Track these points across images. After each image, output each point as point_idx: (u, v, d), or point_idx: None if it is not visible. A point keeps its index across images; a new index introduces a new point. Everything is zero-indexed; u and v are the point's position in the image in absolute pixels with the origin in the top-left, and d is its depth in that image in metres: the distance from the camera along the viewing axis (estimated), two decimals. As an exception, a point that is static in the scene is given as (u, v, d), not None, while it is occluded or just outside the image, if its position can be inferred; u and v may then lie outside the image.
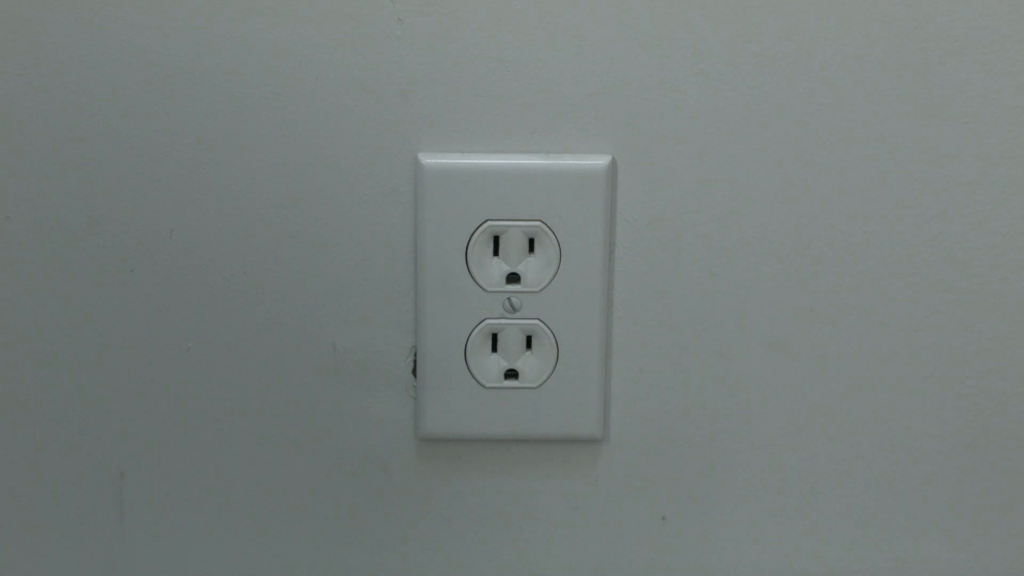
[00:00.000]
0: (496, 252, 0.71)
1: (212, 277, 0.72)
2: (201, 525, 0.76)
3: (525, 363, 0.73)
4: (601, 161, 0.70)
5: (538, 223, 0.70)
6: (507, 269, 0.71)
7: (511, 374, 0.73)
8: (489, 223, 0.70)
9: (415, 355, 0.73)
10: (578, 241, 0.70)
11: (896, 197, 0.71)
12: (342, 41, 0.69)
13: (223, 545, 0.76)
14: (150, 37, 0.69)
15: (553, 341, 0.72)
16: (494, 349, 0.72)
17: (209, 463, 0.75)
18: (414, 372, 0.73)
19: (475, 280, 0.71)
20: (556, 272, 0.71)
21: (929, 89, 0.69)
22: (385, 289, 0.72)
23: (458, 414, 0.73)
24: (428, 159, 0.70)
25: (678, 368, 0.73)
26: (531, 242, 0.71)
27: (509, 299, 0.71)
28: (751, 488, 0.75)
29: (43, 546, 0.76)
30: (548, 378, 0.72)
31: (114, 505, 0.76)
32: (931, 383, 0.73)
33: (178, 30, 0.69)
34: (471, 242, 0.70)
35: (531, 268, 0.71)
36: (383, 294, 0.72)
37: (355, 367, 0.73)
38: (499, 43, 0.69)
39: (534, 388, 0.73)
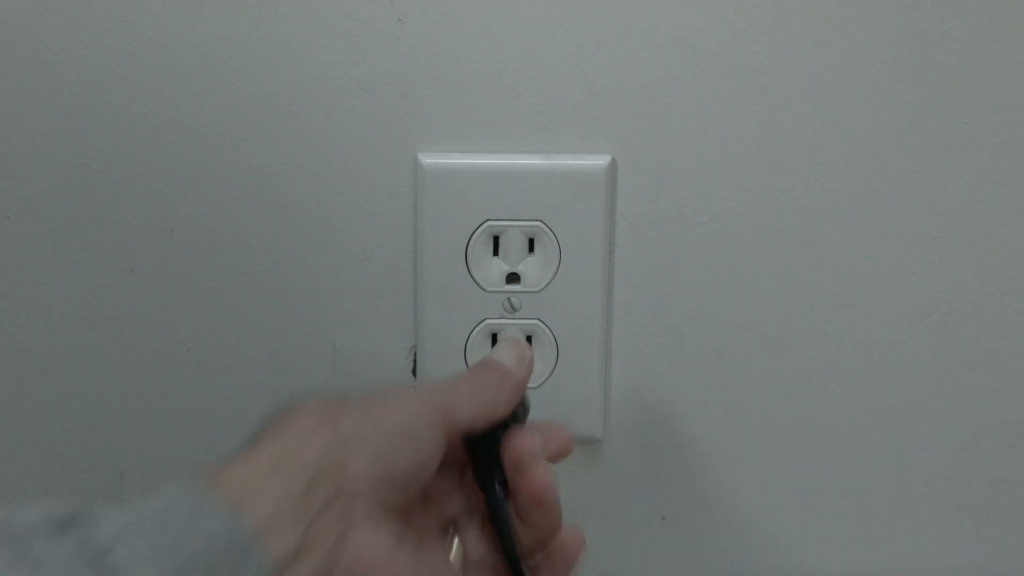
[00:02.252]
0: (496, 252, 0.71)
1: (212, 277, 0.72)
2: (201, 525, 0.76)
3: (525, 363, 0.73)
4: (601, 161, 0.70)
5: (538, 223, 0.70)
6: (507, 269, 0.71)
7: (511, 374, 0.73)
8: (489, 223, 0.70)
9: (415, 355, 0.73)
10: (578, 241, 0.70)
11: (896, 197, 0.71)
12: (342, 41, 0.69)
13: (223, 545, 0.76)
14: (150, 37, 0.69)
15: (553, 341, 0.72)
16: (494, 349, 0.72)
17: (209, 463, 0.75)
18: (414, 372, 0.73)
19: (475, 280, 0.71)
20: (556, 272, 0.71)
21: (929, 89, 0.69)
22: (385, 289, 0.72)
23: (458, 414, 0.73)
24: (428, 159, 0.70)
25: (678, 368, 0.73)
26: (531, 242, 0.71)
27: (509, 299, 0.71)
28: (751, 488, 0.75)
29: (43, 546, 0.76)
30: (548, 378, 0.72)
31: (114, 505, 0.76)
32: (931, 383, 0.73)
33: (178, 30, 0.69)
34: (471, 242, 0.70)
35: (531, 268, 0.71)
36: (383, 294, 0.72)
37: (355, 367, 0.73)
38: (499, 43, 0.69)
39: (534, 388, 0.73)
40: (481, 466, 0.60)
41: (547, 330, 0.72)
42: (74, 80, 0.69)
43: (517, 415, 0.61)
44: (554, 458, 0.62)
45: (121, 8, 0.68)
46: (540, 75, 0.69)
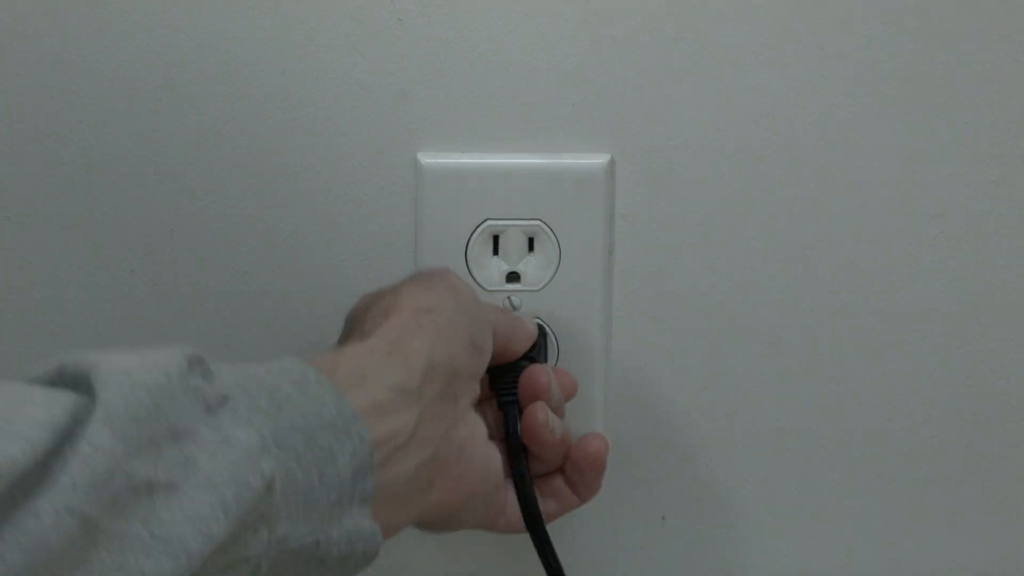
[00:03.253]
0: (496, 251, 0.71)
1: (212, 277, 0.72)
2: (201, 525, 0.76)
3: (525, 363, 0.73)
4: (600, 160, 0.70)
5: (538, 222, 0.70)
6: (507, 268, 0.71)
7: (511, 374, 0.73)
8: (489, 222, 0.70)
9: (415, 355, 0.73)
10: (577, 240, 0.70)
11: (896, 197, 0.71)
12: (342, 41, 0.69)
13: (223, 545, 0.76)
14: (150, 37, 0.69)
15: (553, 341, 0.72)
16: (494, 349, 0.72)
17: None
18: (414, 372, 0.73)
19: (475, 279, 0.71)
20: (556, 271, 0.71)
21: (929, 89, 0.69)
22: (385, 289, 0.72)
23: (458, 414, 0.73)
24: (428, 159, 0.70)
25: (678, 368, 0.73)
26: (531, 241, 0.71)
27: (509, 298, 0.71)
28: (751, 488, 0.75)
29: (43, 546, 0.76)
30: (548, 378, 0.72)
31: (114, 505, 0.76)
32: (931, 383, 0.73)
33: (178, 30, 0.69)
34: (471, 242, 0.70)
35: (531, 267, 0.71)
36: (383, 294, 0.72)
37: (355, 367, 0.73)
38: (499, 43, 0.69)
39: (534, 388, 0.73)
40: (502, 391, 0.65)
41: (547, 330, 0.71)
42: (74, 80, 0.69)
43: (543, 355, 0.68)
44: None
45: (121, 8, 0.68)
46: (540, 75, 0.69)
